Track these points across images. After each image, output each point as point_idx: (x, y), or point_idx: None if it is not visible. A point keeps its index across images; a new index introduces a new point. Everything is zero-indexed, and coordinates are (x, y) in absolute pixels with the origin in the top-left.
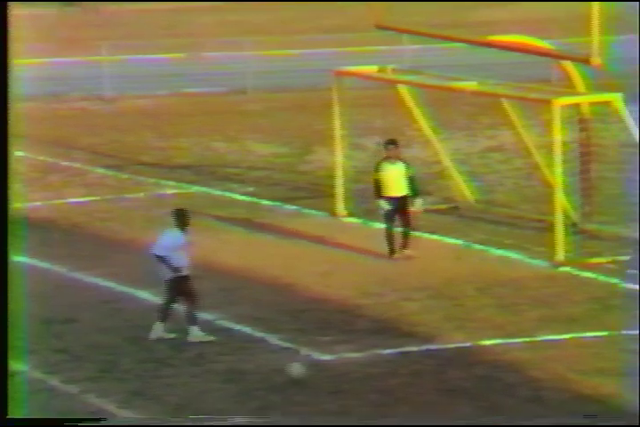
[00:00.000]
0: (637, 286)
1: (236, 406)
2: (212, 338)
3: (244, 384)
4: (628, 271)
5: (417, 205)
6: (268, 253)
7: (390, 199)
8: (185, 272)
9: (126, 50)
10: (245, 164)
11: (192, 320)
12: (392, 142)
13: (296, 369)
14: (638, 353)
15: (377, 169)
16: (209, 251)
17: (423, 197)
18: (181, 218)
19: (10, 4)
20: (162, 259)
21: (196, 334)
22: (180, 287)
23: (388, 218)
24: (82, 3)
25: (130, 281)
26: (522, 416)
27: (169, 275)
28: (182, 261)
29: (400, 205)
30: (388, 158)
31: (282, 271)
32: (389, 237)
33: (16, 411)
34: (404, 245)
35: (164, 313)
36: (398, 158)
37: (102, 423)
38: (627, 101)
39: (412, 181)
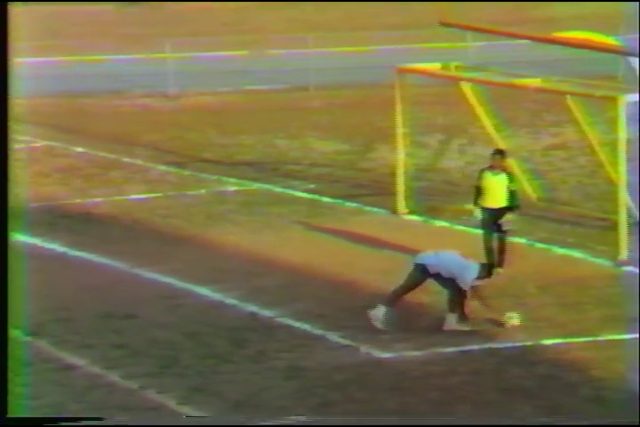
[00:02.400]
0: None
1: (295, 403)
2: (467, 328)
3: (303, 381)
4: None
5: (507, 221)
6: (329, 250)
7: (487, 210)
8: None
9: (190, 47)
10: (307, 161)
11: (451, 308)
12: (499, 152)
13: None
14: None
15: (479, 177)
16: (270, 248)
17: (517, 215)
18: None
19: (10, 4)
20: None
21: (451, 321)
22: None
23: (486, 229)
24: (144, 3)
25: (190, 277)
26: (582, 416)
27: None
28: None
29: (497, 217)
30: (491, 168)
31: (343, 268)
32: (487, 249)
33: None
34: (500, 263)
35: (452, 303)
36: (502, 169)
37: (102, 423)
38: None
39: (512, 194)
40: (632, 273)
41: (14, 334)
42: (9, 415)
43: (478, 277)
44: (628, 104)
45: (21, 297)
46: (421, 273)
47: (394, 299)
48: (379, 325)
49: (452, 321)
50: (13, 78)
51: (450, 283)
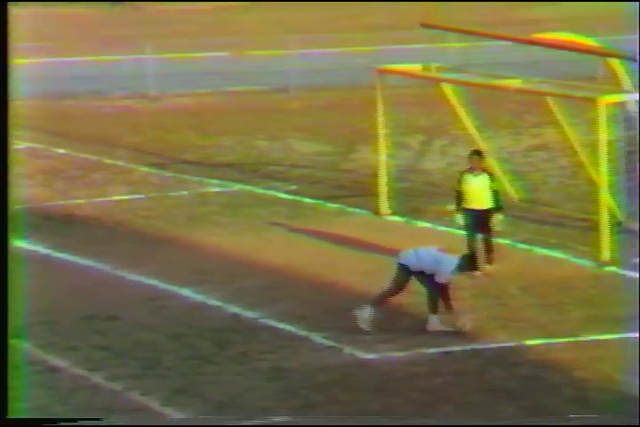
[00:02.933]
0: None
1: (278, 404)
2: (451, 329)
3: (286, 382)
4: None
5: (496, 222)
6: (312, 251)
7: (472, 212)
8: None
9: (170, 48)
10: (288, 162)
11: (433, 309)
12: (476, 153)
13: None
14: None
15: (459, 180)
16: (252, 249)
17: (504, 214)
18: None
19: (10, 4)
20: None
21: (433, 321)
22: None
23: (469, 231)
24: (126, 2)
25: (173, 279)
26: (565, 417)
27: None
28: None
29: (481, 219)
30: (471, 169)
31: (325, 270)
32: (471, 251)
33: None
34: (489, 261)
35: (433, 303)
36: (482, 170)
37: (102, 423)
38: None
39: (495, 194)
40: (613, 273)
41: None
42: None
43: (461, 270)
44: (627, 104)
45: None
46: (405, 272)
47: (380, 300)
48: (364, 325)
49: (434, 322)
50: (13, 80)
51: (430, 281)
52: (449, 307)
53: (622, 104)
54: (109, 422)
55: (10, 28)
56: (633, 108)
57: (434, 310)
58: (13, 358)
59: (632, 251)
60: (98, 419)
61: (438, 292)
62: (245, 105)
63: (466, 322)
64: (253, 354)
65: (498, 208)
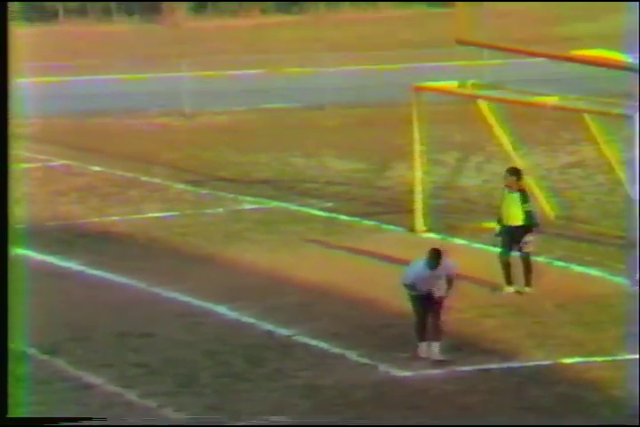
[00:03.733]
0: None
1: (314, 421)
2: (444, 358)
3: (320, 399)
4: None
5: (527, 242)
6: (347, 268)
7: (505, 227)
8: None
9: (206, 66)
10: (323, 179)
11: (434, 337)
12: (511, 172)
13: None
14: None
15: (501, 195)
16: (287, 266)
17: (536, 236)
18: (435, 258)
19: (10, 3)
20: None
21: (434, 351)
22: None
23: (503, 246)
24: (163, 15)
25: (207, 296)
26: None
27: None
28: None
29: (514, 235)
30: (507, 186)
31: (360, 286)
32: (504, 264)
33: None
34: (527, 282)
35: (437, 329)
36: (517, 188)
37: (103, 423)
38: None
39: (527, 214)
40: None
41: (30, 351)
42: (9, 416)
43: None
44: None
45: (30, 314)
46: (419, 300)
47: (420, 333)
48: (441, 357)
49: (435, 351)
50: (44, 97)
51: (431, 304)
52: (439, 331)
53: None
54: (110, 422)
55: (10, 27)
56: None
57: (437, 336)
58: (45, 373)
59: None
60: (99, 419)
61: (438, 315)
62: (281, 122)
63: (434, 350)
64: (287, 371)
65: (530, 227)
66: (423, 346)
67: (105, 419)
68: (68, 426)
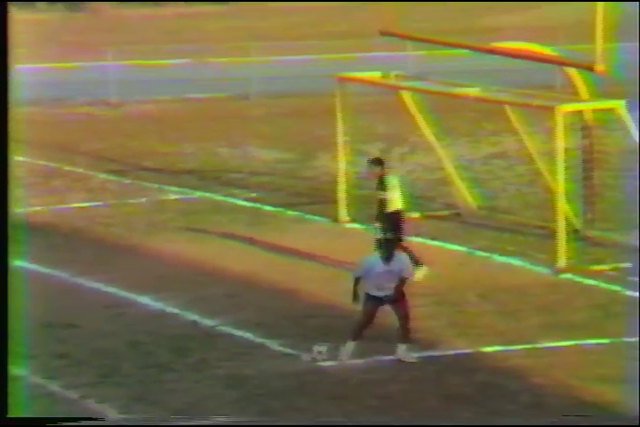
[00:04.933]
0: (638, 293)
1: (236, 411)
2: (414, 360)
3: (244, 390)
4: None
5: (375, 226)
6: (271, 258)
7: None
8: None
9: (132, 55)
10: (248, 169)
11: (403, 339)
12: (370, 161)
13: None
14: (639, 360)
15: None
16: (212, 256)
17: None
18: (388, 248)
19: (10, 3)
20: (355, 280)
21: (401, 352)
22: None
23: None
24: (86, 4)
25: (131, 286)
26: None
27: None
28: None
29: (387, 222)
30: (372, 176)
31: (284, 277)
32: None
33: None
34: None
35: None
36: (380, 177)
37: (102, 423)
38: (630, 108)
39: (379, 202)
40: (569, 281)
41: None
42: (9, 415)
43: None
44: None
45: None
46: (373, 302)
47: (357, 333)
48: (345, 358)
49: (404, 352)
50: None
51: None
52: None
53: (580, 113)
54: (110, 422)
55: (10, 27)
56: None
57: (406, 337)
58: None
59: (588, 258)
60: (98, 419)
61: (406, 314)
62: (207, 112)
63: (322, 351)
64: (212, 361)
65: (382, 215)
66: (349, 347)
67: (104, 419)
68: (68, 426)
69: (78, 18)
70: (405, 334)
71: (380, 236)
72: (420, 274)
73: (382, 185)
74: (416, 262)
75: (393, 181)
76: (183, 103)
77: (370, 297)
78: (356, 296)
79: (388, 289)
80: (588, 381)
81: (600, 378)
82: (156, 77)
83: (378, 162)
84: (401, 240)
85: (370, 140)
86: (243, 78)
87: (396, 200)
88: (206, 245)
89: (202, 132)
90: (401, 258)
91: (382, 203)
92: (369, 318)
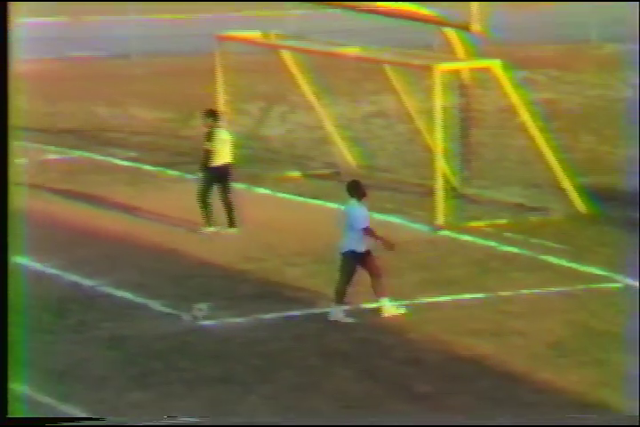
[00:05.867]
0: (521, 252)
1: (117, 373)
2: (402, 311)
3: (125, 351)
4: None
5: (195, 178)
6: (150, 219)
7: (206, 168)
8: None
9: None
10: (129, 129)
11: (380, 293)
12: (204, 113)
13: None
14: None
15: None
16: (91, 217)
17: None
18: (357, 189)
19: (10, 4)
20: (370, 231)
21: (386, 306)
22: (368, 262)
23: (202, 186)
24: None
25: (11, 248)
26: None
27: (363, 248)
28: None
29: (214, 176)
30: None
31: (165, 237)
32: (203, 206)
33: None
34: (230, 223)
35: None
36: (212, 128)
37: (102, 423)
38: (505, 68)
39: (204, 153)
40: (447, 238)
41: None
42: (9, 416)
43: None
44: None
45: None
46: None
47: (341, 295)
48: (341, 319)
49: (388, 306)
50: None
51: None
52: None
53: (457, 72)
54: (110, 422)
55: (10, 27)
56: None
57: (385, 292)
58: None
59: (465, 215)
60: (98, 419)
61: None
62: (86, 71)
63: (202, 308)
64: (92, 323)
65: (205, 165)
66: (339, 310)
67: (104, 419)
68: (68, 426)
69: None
70: (381, 290)
71: (201, 187)
72: (231, 232)
73: (210, 137)
74: (230, 221)
75: (222, 135)
76: (62, 62)
77: (352, 254)
78: (386, 242)
79: (366, 244)
80: (461, 335)
81: (473, 332)
82: (34, 36)
83: (210, 114)
84: (228, 194)
85: (250, 100)
86: (121, 37)
87: (223, 153)
88: (86, 205)
89: (82, 91)
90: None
91: (207, 154)
92: (351, 276)
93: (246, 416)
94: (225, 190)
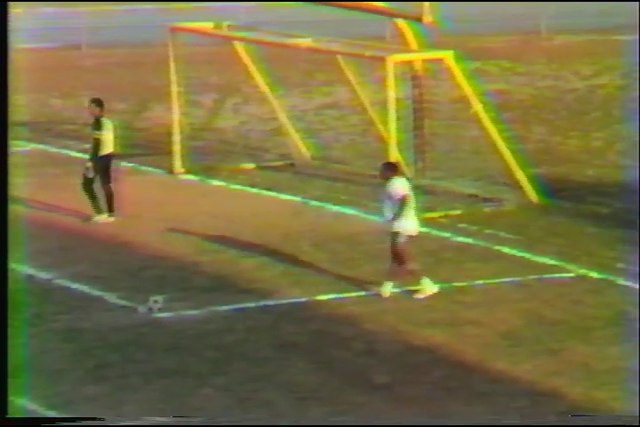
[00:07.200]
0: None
1: (73, 365)
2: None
3: (81, 343)
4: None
5: (87, 167)
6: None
7: (95, 157)
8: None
9: None
10: (81, 120)
11: (390, 276)
12: (91, 101)
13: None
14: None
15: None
16: (46, 210)
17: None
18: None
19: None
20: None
21: (385, 287)
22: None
23: (87, 176)
24: None
25: None
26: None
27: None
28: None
29: (101, 165)
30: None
31: (119, 230)
32: (89, 195)
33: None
34: (109, 209)
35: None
36: (99, 116)
37: (102, 423)
38: (457, 59)
39: (93, 142)
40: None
41: None
42: (9, 416)
43: None
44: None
45: None
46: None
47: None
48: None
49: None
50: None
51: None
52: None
53: (410, 63)
54: (109, 421)
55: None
56: None
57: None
58: None
59: (419, 206)
60: (98, 419)
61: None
62: (37, 62)
63: (157, 300)
64: (48, 315)
65: (95, 155)
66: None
67: (104, 419)
68: (68, 426)
69: None
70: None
71: (89, 177)
72: (103, 218)
73: (97, 125)
74: (110, 208)
75: (108, 123)
76: (13, 53)
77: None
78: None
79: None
80: (418, 325)
81: (429, 322)
82: None
83: (97, 102)
84: (108, 183)
85: (203, 91)
86: (72, 28)
87: (109, 143)
88: (41, 198)
89: (33, 83)
90: None
91: (97, 142)
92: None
93: (200, 409)
94: (106, 179)
